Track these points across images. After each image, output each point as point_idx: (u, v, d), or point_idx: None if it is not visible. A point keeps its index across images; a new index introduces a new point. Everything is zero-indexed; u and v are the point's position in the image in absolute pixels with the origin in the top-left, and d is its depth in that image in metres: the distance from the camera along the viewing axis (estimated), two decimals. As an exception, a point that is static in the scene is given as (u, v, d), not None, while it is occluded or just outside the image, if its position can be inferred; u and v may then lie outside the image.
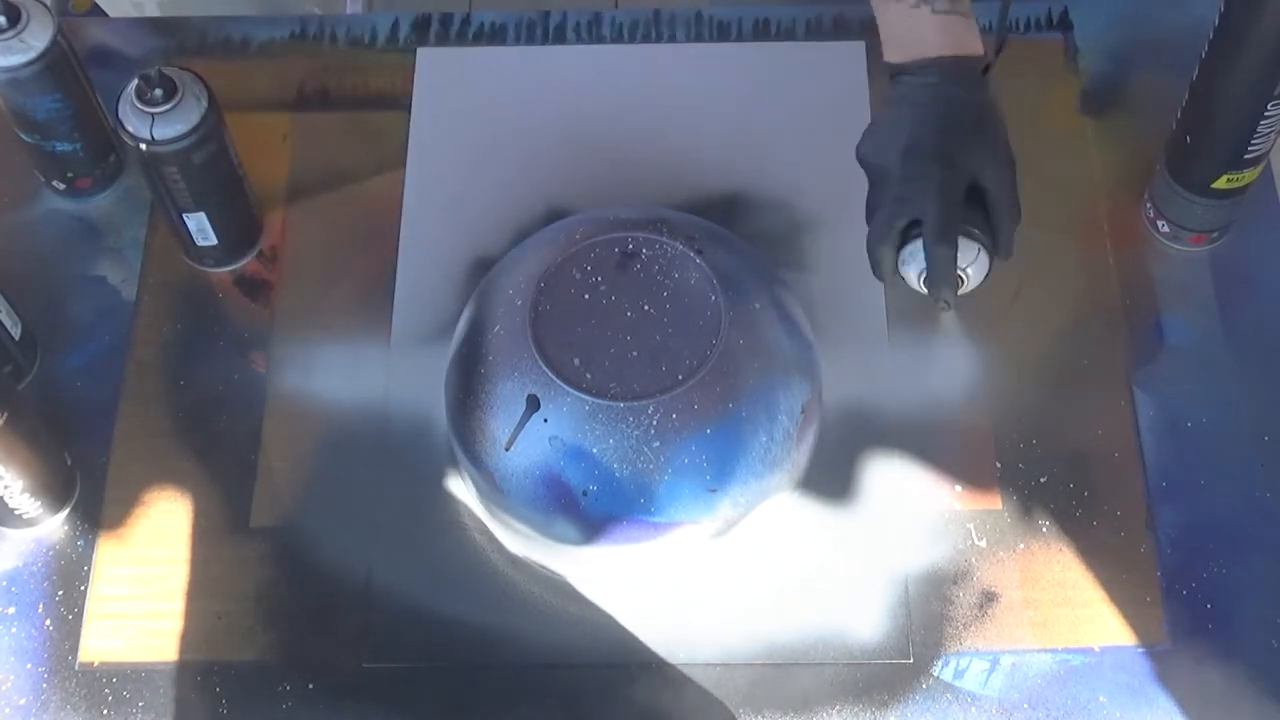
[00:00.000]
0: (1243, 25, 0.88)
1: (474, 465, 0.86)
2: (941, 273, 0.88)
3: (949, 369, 0.98)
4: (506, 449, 0.83)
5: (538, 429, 0.82)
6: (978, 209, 0.90)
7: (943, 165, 0.87)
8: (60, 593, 0.92)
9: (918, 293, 0.91)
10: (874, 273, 0.91)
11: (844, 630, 0.90)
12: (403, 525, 0.94)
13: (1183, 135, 0.97)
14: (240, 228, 1.02)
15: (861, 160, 0.91)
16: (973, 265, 0.90)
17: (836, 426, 0.95)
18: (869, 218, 0.91)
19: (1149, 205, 1.03)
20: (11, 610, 0.92)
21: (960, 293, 0.91)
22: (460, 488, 0.94)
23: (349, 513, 0.94)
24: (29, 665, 0.90)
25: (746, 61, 1.12)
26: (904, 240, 0.90)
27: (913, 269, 0.91)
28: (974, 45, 0.90)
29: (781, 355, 0.86)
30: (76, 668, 0.90)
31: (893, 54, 0.91)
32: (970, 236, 0.89)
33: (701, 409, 0.82)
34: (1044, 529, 0.93)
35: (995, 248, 0.91)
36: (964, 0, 0.90)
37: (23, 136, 1.01)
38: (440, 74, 1.11)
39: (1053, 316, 1.00)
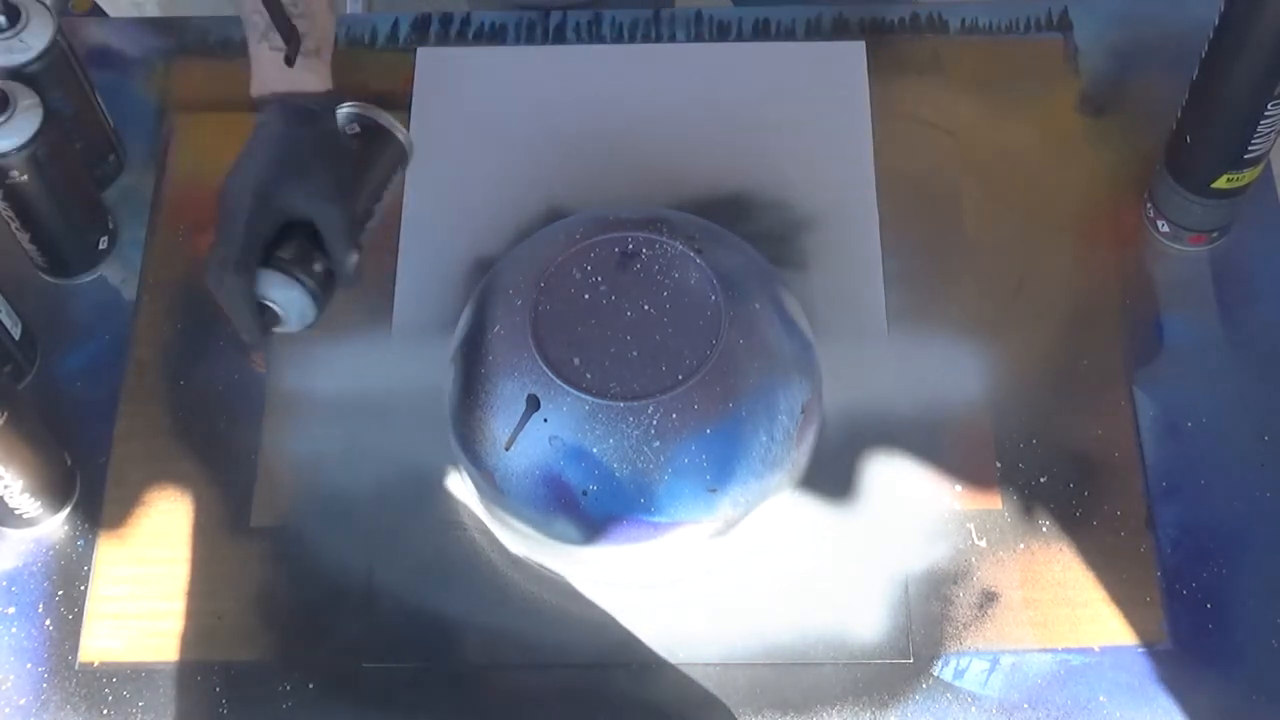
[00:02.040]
0: (1243, 25, 0.88)
1: (474, 465, 0.86)
2: (234, 303, 0.85)
3: (949, 369, 0.98)
4: (506, 449, 0.83)
5: (538, 429, 0.82)
6: (317, 248, 0.87)
7: (255, 199, 0.85)
8: (60, 593, 0.92)
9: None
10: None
11: (844, 630, 0.90)
12: (403, 525, 0.94)
13: (1183, 135, 0.98)
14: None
15: (220, 201, 0.88)
16: (281, 298, 0.86)
17: (836, 426, 0.95)
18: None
19: (1149, 205, 1.03)
20: (11, 610, 0.92)
21: (283, 329, 0.88)
22: (460, 488, 0.94)
23: (349, 513, 0.94)
24: (29, 665, 0.90)
25: (746, 61, 1.12)
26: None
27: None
28: (309, 82, 0.89)
29: (781, 355, 0.86)
30: (76, 668, 0.90)
31: (252, 89, 0.90)
32: (283, 270, 0.86)
33: (701, 409, 0.82)
34: (1044, 529, 0.93)
35: (335, 276, 0.88)
36: (309, 38, 0.89)
37: (23, 136, 1.01)
38: (440, 74, 1.11)
39: (1053, 316, 1.00)
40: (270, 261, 0.86)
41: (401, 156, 0.93)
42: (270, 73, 0.89)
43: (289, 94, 0.88)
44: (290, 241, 0.87)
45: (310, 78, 0.89)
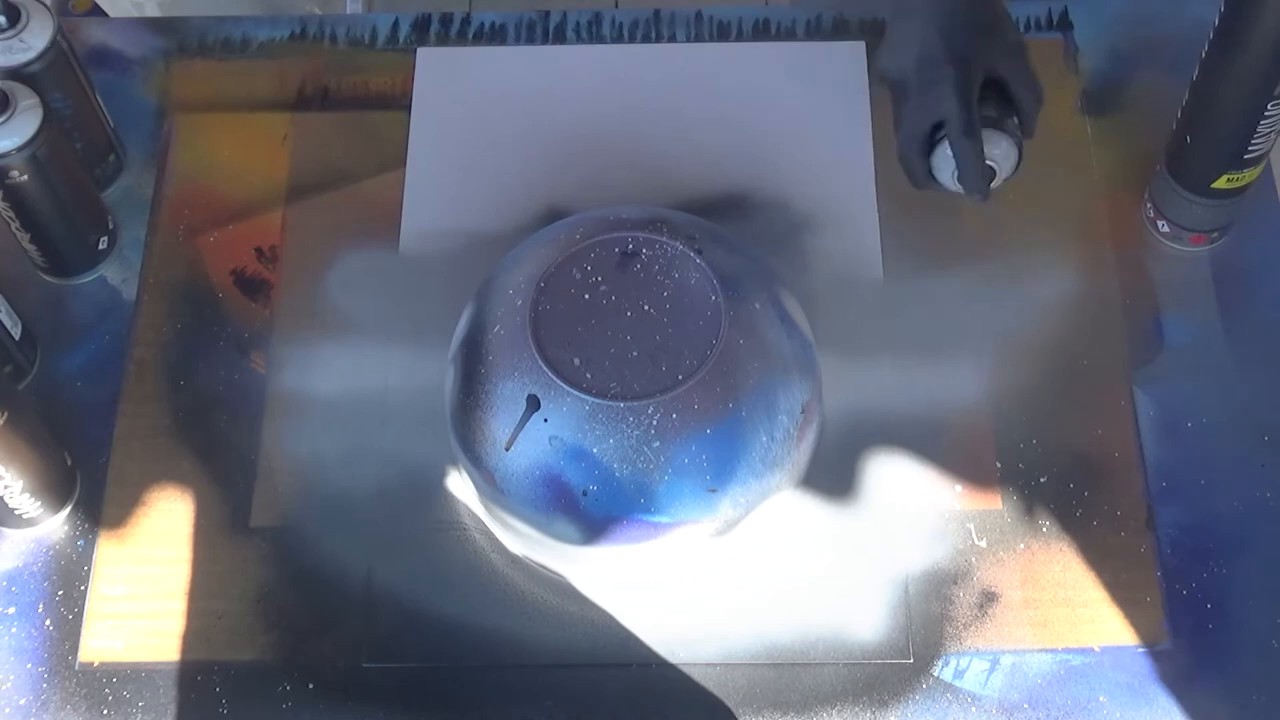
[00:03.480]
0: (1243, 25, 0.88)
1: (474, 465, 0.86)
2: (972, 167, 0.90)
3: (949, 369, 0.98)
4: (506, 449, 0.83)
5: (538, 429, 0.82)
6: (997, 100, 0.92)
7: (956, 65, 0.89)
8: (60, 593, 0.92)
9: (955, 193, 0.93)
10: (910, 181, 0.94)
11: (844, 630, 0.90)
12: (403, 525, 0.94)
13: (1183, 135, 0.97)
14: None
15: (882, 75, 0.94)
16: (1001, 154, 0.92)
17: (836, 426, 0.95)
18: (896, 131, 0.94)
19: (1149, 205, 1.03)
20: (11, 610, 0.92)
21: (995, 184, 0.93)
22: (460, 488, 0.94)
23: (349, 513, 0.94)
24: (29, 665, 0.90)
25: (746, 61, 1.12)
26: (931, 146, 0.93)
27: (945, 171, 0.93)
28: None
29: (781, 355, 0.86)
30: (76, 668, 0.90)
31: None
32: (994, 126, 0.92)
33: (701, 409, 0.82)
34: (1044, 529, 0.93)
35: (1022, 131, 0.93)
36: None
37: (23, 136, 1.01)
38: (440, 74, 1.11)
39: (1053, 316, 1.00)
40: (981, 122, 0.91)
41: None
42: None
43: None
44: (988, 99, 0.91)
45: None
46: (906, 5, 0.93)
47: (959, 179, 0.92)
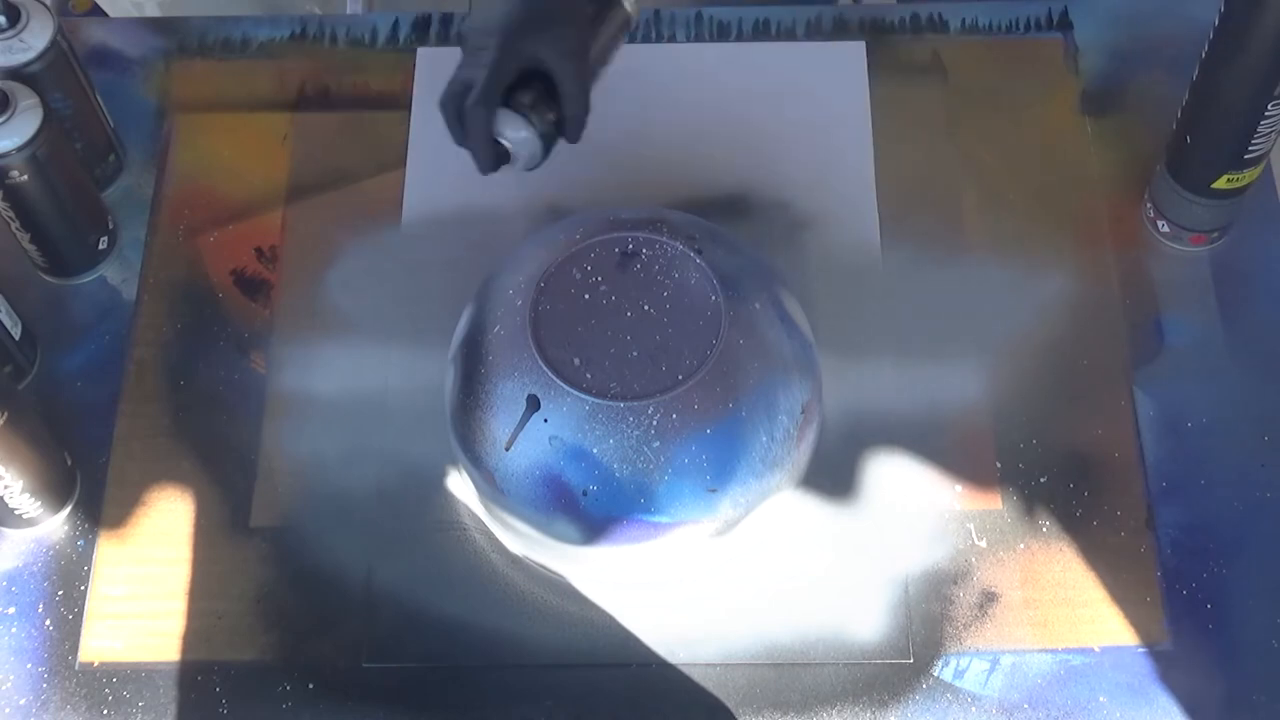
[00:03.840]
0: (1243, 25, 0.88)
1: (474, 465, 0.86)
2: (475, 135, 0.91)
3: (949, 369, 0.98)
4: (506, 449, 0.83)
5: (538, 429, 0.82)
6: (545, 95, 0.92)
7: (502, 41, 0.90)
8: (60, 593, 0.92)
9: None
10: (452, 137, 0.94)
11: (844, 630, 0.90)
12: (403, 525, 0.94)
13: (1183, 135, 0.98)
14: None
15: (463, 32, 0.95)
16: (516, 138, 0.92)
17: (836, 426, 0.95)
18: None
19: (1149, 205, 1.03)
20: (11, 610, 0.92)
21: (509, 168, 0.93)
22: (460, 488, 0.94)
23: (349, 513, 0.94)
24: (29, 665, 0.90)
25: (746, 61, 1.12)
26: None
27: None
28: None
29: (781, 355, 0.86)
30: (76, 668, 0.90)
31: None
32: (522, 112, 0.92)
33: (701, 409, 0.82)
34: (1044, 529, 0.93)
35: (563, 133, 0.93)
36: None
37: (23, 136, 1.01)
38: (440, 74, 1.10)
39: (1053, 316, 1.00)
40: (509, 102, 0.91)
41: (625, 24, 0.96)
42: None
43: None
44: (529, 87, 0.92)
45: None
46: None
47: (465, 142, 0.93)
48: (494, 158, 0.92)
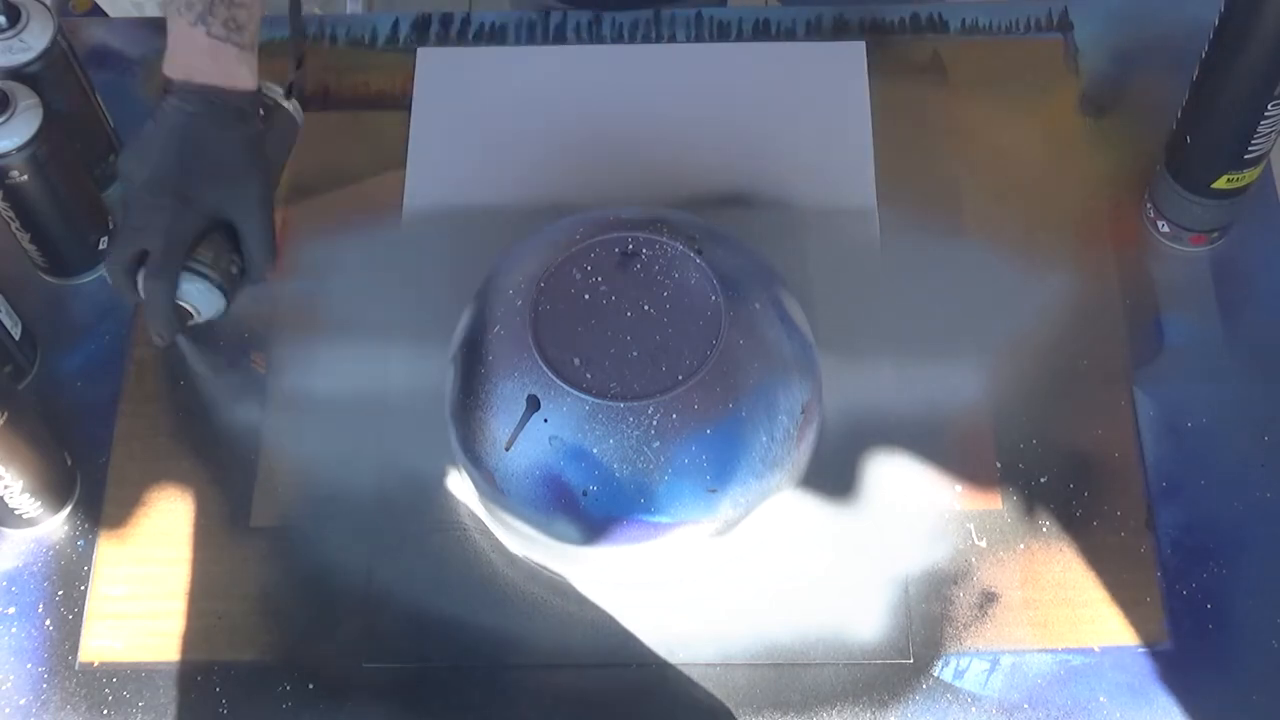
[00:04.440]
0: (1243, 25, 0.88)
1: (474, 465, 0.86)
2: (154, 308, 0.88)
3: (949, 369, 0.98)
4: (506, 449, 0.83)
5: (538, 429, 0.82)
6: (228, 240, 0.90)
7: (177, 200, 0.86)
8: (60, 593, 0.92)
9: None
10: (123, 297, 0.91)
11: (844, 630, 0.90)
12: (403, 525, 0.94)
13: (1183, 135, 0.98)
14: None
15: (119, 175, 0.89)
16: (199, 299, 0.90)
17: (836, 426, 0.95)
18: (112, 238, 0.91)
19: (1149, 205, 1.03)
20: (11, 610, 0.92)
21: (193, 324, 0.92)
22: (460, 488, 0.94)
23: (349, 513, 0.94)
24: (29, 665, 0.90)
25: (746, 61, 1.12)
26: (140, 265, 0.89)
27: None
28: (243, 79, 0.88)
29: (781, 355, 0.86)
30: (76, 668, 0.90)
31: (168, 68, 0.89)
32: (203, 275, 0.89)
33: (701, 409, 0.82)
34: (1044, 529, 0.93)
35: (246, 278, 0.91)
36: (245, 32, 0.88)
37: (23, 136, 1.01)
38: (440, 74, 1.11)
39: (1053, 316, 1.00)
40: (189, 265, 0.88)
41: (293, 130, 0.94)
42: (199, 61, 0.86)
43: (218, 89, 0.86)
44: (208, 243, 0.89)
45: (246, 73, 0.88)
46: (163, 115, 0.88)
47: (145, 314, 0.90)
48: (175, 323, 0.89)
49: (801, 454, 0.87)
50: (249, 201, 0.88)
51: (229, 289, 0.91)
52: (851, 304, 0.99)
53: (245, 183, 0.88)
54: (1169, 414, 0.96)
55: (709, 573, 0.91)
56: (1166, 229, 1.02)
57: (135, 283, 0.90)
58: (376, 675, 0.90)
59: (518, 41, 1.13)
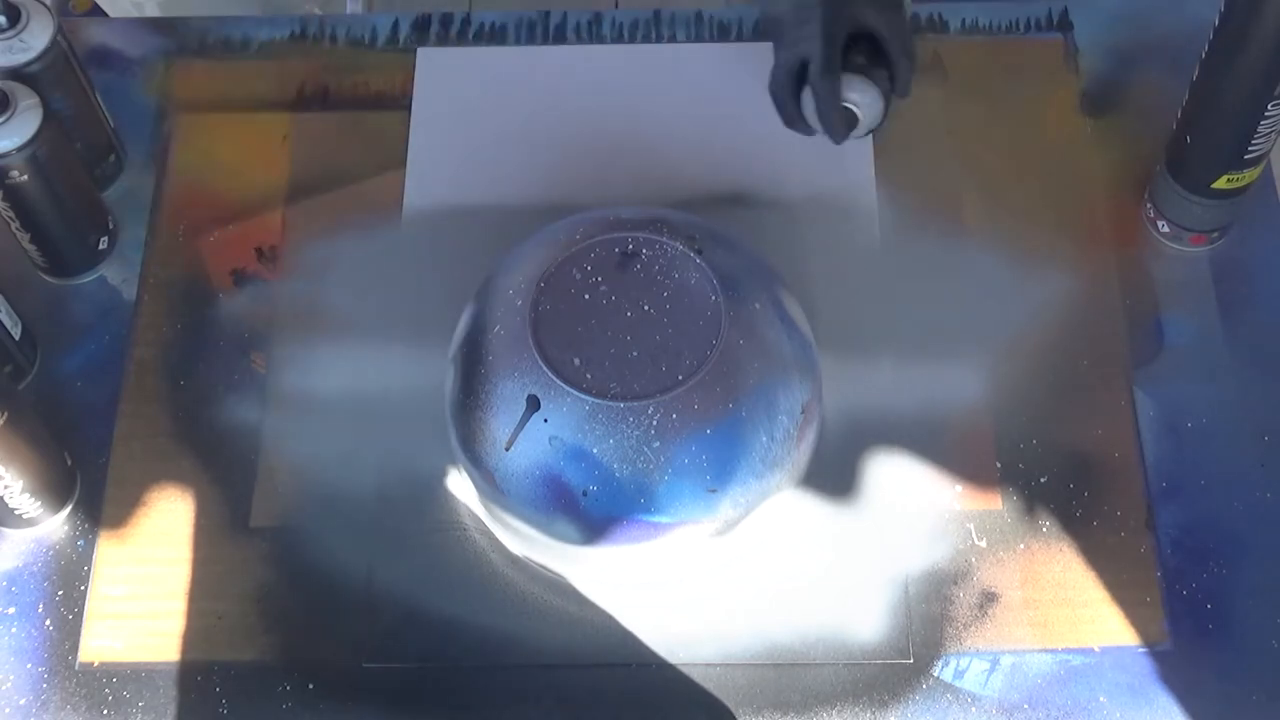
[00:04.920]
0: (1243, 25, 0.88)
1: (474, 465, 0.86)
2: (826, 104, 0.93)
3: (949, 369, 0.98)
4: (506, 449, 0.83)
5: (538, 429, 0.82)
6: (871, 53, 0.95)
7: (826, 6, 0.92)
8: (60, 593, 0.92)
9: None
10: (781, 118, 0.97)
11: (844, 630, 0.90)
12: (403, 525, 0.94)
13: (1183, 135, 0.97)
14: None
15: (762, 14, 0.97)
16: (862, 99, 0.94)
17: (836, 426, 0.95)
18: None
19: (1149, 205, 1.03)
20: (11, 610, 0.92)
21: (858, 132, 0.96)
22: (460, 488, 0.94)
23: (349, 513, 0.94)
24: (29, 665, 0.90)
25: (746, 61, 1.11)
26: (801, 84, 0.95)
27: (810, 109, 0.96)
28: None
29: (781, 355, 0.86)
30: (76, 668, 0.90)
31: None
32: (858, 71, 0.94)
33: (701, 409, 0.82)
34: (1044, 529, 0.93)
35: (893, 88, 0.95)
36: None
37: (23, 136, 1.01)
38: (440, 74, 1.11)
39: (1053, 316, 1.00)
40: (848, 66, 0.94)
41: None
42: None
43: None
44: (858, 49, 0.94)
45: None
46: None
47: (817, 116, 0.95)
48: (845, 124, 0.94)
49: (801, 454, 0.87)
50: (892, 11, 0.93)
51: (889, 92, 0.94)
52: (851, 304, 1.00)
53: None
54: (1169, 414, 0.96)
55: (709, 573, 0.91)
56: (1166, 229, 1.02)
57: (798, 100, 0.95)
58: (376, 675, 0.90)
59: (518, 41, 1.13)
